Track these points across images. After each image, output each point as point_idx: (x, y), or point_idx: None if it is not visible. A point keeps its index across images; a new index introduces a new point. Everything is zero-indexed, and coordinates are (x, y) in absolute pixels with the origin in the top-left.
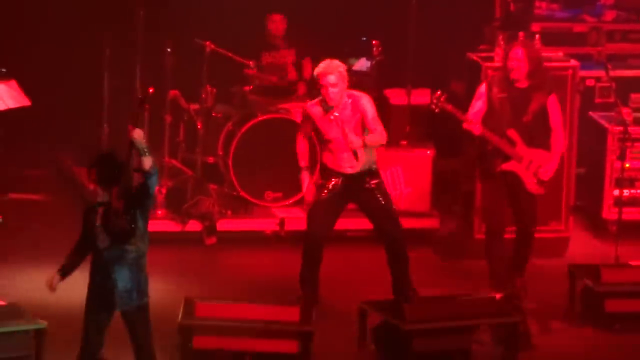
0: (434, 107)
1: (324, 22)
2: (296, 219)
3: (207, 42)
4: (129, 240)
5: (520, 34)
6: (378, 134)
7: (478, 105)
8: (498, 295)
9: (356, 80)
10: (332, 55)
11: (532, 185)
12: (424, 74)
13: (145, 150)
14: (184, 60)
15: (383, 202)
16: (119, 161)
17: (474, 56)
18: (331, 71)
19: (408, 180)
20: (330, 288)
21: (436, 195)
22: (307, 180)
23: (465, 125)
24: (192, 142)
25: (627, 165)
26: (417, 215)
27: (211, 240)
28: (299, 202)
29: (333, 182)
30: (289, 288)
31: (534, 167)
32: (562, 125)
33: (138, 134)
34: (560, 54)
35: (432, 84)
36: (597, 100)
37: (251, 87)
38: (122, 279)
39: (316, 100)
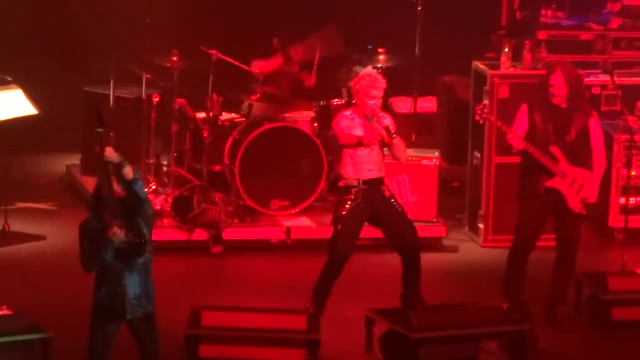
0: (478, 118)
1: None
2: (302, 228)
3: (213, 51)
4: (143, 253)
5: (526, 42)
6: (405, 146)
7: (520, 125)
8: (505, 304)
9: None
10: (339, 63)
11: (575, 204)
12: (430, 82)
13: (123, 163)
14: (190, 68)
15: (401, 210)
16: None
17: (480, 64)
18: (380, 85)
19: (414, 188)
20: (338, 296)
21: (442, 204)
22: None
23: (508, 138)
24: (199, 150)
25: (633, 173)
26: (423, 223)
27: (217, 249)
28: (305, 211)
29: (354, 192)
30: (296, 296)
31: (577, 185)
32: (604, 145)
33: (109, 153)
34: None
35: (438, 92)
36: (603, 108)
37: (258, 95)
38: (132, 285)
39: (349, 110)
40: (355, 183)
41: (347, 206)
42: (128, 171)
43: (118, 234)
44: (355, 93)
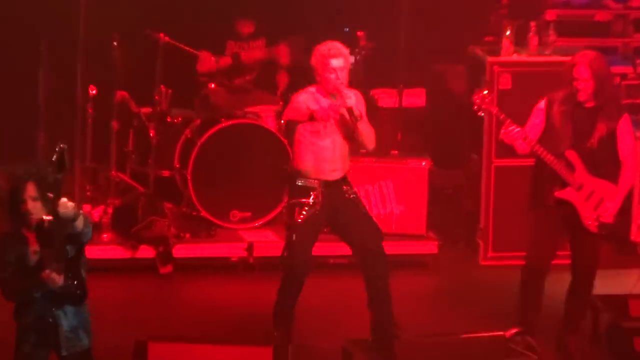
0: (476, 108)
1: (301, 8)
2: (267, 244)
3: (161, 34)
4: (79, 304)
5: (532, 23)
6: (372, 130)
7: (535, 123)
8: (508, 333)
9: None
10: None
11: (590, 222)
12: (418, 72)
13: (76, 216)
14: (133, 55)
15: (364, 212)
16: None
17: (477, 49)
18: (340, 53)
19: (400, 196)
20: (309, 324)
21: (433, 215)
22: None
23: (502, 135)
24: (144, 152)
25: None
26: (411, 238)
27: (166, 269)
28: (270, 223)
29: (313, 196)
30: (260, 324)
31: (595, 199)
32: (634, 154)
33: (64, 207)
34: (580, 46)
35: (427, 83)
36: (624, 101)
37: (214, 85)
38: (66, 316)
39: (313, 87)
40: (314, 184)
41: (304, 213)
42: (79, 224)
43: (56, 280)
44: (314, 70)
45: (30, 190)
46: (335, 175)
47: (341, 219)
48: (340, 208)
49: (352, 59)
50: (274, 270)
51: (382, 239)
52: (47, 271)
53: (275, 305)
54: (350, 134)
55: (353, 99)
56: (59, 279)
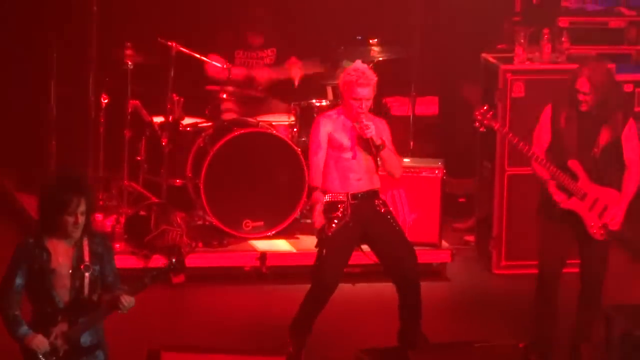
0: (478, 124)
1: (313, 17)
2: (280, 254)
3: (173, 43)
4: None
5: (545, 30)
6: (398, 159)
7: (542, 131)
8: (521, 343)
9: None
10: (322, 57)
11: (595, 230)
12: (431, 79)
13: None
14: (145, 64)
15: (398, 230)
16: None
17: (490, 57)
18: (368, 83)
19: (413, 205)
20: (322, 333)
21: (447, 224)
22: (320, 203)
23: (533, 165)
24: (156, 161)
25: None
26: (424, 246)
27: (179, 279)
28: (283, 233)
29: (341, 209)
30: (272, 334)
31: (599, 207)
32: (638, 161)
33: (128, 302)
34: (592, 54)
35: (440, 91)
36: (637, 108)
37: (225, 95)
38: (82, 334)
39: (334, 110)
40: (342, 198)
41: (333, 226)
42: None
43: (40, 346)
44: (340, 92)
45: (82, 205)
46: (362, 187)
47: (373, 234)
48: (371, 222)
49: (363, 65)
50: (287, 280)
51: (416, 258)
52: (52, 337)
53: (295, 316)
54: (372, 153)
55: (372, 128)
56: (42, 346)
